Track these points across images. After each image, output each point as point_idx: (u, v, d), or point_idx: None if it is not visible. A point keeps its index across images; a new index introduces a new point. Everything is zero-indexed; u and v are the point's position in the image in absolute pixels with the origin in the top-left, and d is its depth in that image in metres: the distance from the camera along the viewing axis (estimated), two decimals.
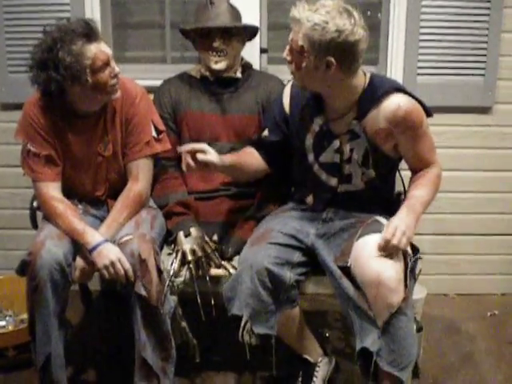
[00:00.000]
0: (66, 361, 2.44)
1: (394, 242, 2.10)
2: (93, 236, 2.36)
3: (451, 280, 3.53)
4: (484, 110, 3.28)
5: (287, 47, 2.19)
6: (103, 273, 2.33)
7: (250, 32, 2.77)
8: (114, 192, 2.59)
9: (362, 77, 2.26)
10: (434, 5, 3.11)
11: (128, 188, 2.54)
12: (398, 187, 2.59)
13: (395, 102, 2.21)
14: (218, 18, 2.65)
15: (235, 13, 2.73)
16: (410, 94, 2.27)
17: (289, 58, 2.20)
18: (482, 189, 3.41)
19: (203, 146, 2.32)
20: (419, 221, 2.21)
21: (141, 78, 2.81)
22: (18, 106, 2.59)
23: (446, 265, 3.50)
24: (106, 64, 2.32)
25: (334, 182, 2.40)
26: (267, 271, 2.23)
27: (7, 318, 2.99)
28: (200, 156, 2.27)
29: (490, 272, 3.53)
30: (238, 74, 2.75)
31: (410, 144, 2.28)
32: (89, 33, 2.28)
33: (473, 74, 3.20)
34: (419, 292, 2.85)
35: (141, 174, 2.54)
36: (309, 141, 2.39)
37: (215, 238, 2.57)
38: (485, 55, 3.16)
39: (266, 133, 2.55)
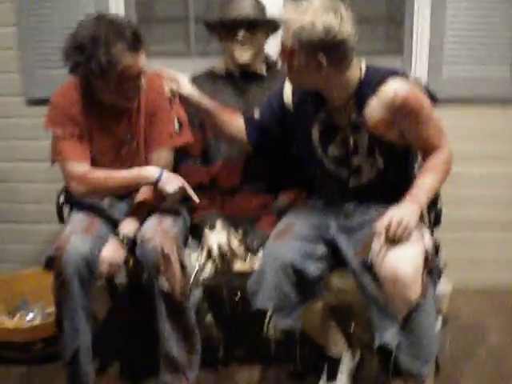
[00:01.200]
0: (93, 354, 2.47)
1: (390, 233, 2.09)
2: (150, 170, 2.45)
3: (477, 275, 3.49)
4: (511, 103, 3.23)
5: (279, 48, 2.20)
6: (174, 197, 2.44)
7: (274, 25, 2.77)
8: None
9: (357, 69, 2.23)
10: None
11: None
12: None
13: (392, 89, 2.18)
14: (242, 9, 2.65)
15: (260, 5, 2.73)
16: (408, 80, 2.24)
17: (281, 59, 2.21)
18: (508, 184, 3.37)
19: (178, 76, 2.38)
20: (424, 208, 2.23)
21: None
22: (44, 102, 2.60)
23: (471, 260, 3.47)
24: (136, 77, 2.35)
25: (344, 174, 2.38)
26: (291, 265, 2.23)
27: (35, 311, 3.03)
28: (170, 85, 2.36)
29: None
30: (264, 72, 2.76)
31: (414, 129, 2.24)
32: (134, 42, 2.29)
33: (500, 66, 3.15)
34: (445, 287, 2.82)
35: (161, 166, 2.53)
36: (315, 134, 2.37)
37: (240, 232, 2.58)
38: None
39: (256, 115, 2.55)
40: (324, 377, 2.53)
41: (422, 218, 2.32)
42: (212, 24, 2.75)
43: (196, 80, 2.75)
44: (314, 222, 2.40)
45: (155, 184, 2.43)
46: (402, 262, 2.07)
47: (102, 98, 2.44)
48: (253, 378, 2.71)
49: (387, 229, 2.10)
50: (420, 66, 3.15)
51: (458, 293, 2.76)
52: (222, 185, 2.72)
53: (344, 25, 2.08)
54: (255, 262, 2.44)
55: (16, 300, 3.10)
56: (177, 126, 2.51)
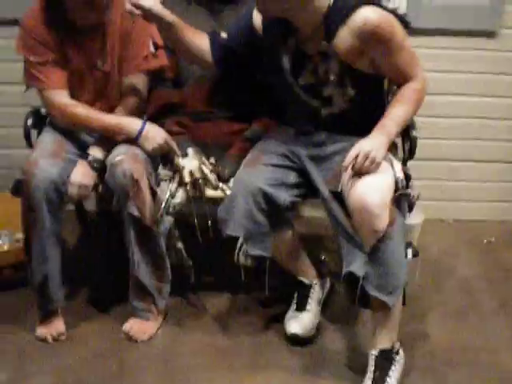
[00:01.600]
0: (62, 280, 2.47)
1: (357, 166, 2.07)
2: (132, 122, 2.41)
3: (449, 206, 3.52)
4: (490, 34, 3.19)
5: None
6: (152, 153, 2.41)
7: None
8: (113, 110, 2.53)
9: None
10: None
11: (122, 102, 2.50)
12: None
13: (362, 17, 2.11)
14: None
15: None
16: (380, 7, 2.17)
17: None
18: (484, 115, 3.36)
19: None
20: (395, 137, 2.20)
21: None
22: (15, 22, 2.52)
23: (444, 190, 3.49)
24: None
25: (316, 103, 2.33)
26: (262, 192, 2.22)
27: (3, 237, 3.00)
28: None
29: (487, 199, 3.53)
30: None
31: (385, 58, 2.18)
32: None
33: None
34: (416, 217, 2.84)
35: (136, 89, 2.49)
36: (285, 62, 2.30)
37: (212, 159, 2.55)
38: None
39: (224, 35, 2.45)
40: (293, 305, 2.55)
41: (394, 148, 2.31)
42: None
43: (166, 2, 2.68)
44: (285, 151, 2.37)
45: (135, 138, 2.39)
46: (370, 192, 2.05)
47: (71, 13, 2.35)
48: (222, 305, 2.72)
49: (355, 161, 2.08)
50: None
51: (430, 225, 2.78)
52: (193, 108, 2.67)
53: None
54: (227, 190, 2.42)
55: None
56: (152, 48, 2.44)
